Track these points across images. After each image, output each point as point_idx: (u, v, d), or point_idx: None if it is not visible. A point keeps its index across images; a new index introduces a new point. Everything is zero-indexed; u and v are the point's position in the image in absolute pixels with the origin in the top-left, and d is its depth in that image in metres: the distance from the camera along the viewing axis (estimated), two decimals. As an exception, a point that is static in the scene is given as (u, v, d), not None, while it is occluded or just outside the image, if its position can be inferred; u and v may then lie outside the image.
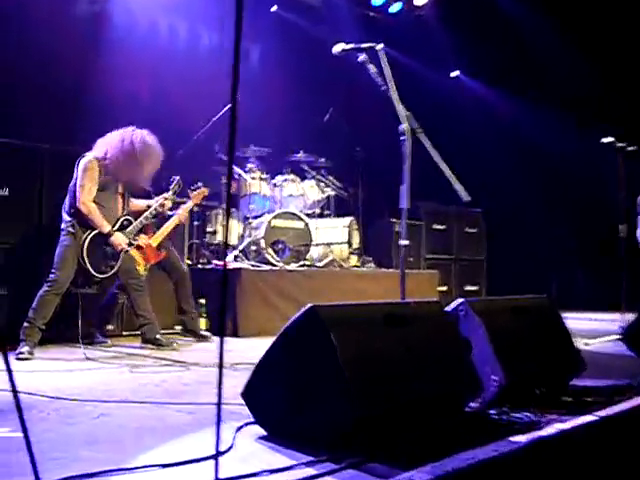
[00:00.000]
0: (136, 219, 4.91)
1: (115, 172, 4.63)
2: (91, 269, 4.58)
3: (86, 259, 4.54)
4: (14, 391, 1.42)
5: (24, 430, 1.44)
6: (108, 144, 4.65)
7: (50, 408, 2.88)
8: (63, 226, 4.62)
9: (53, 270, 4.55)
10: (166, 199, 5.03)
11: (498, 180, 8.96)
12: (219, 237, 6.78)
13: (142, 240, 5.02)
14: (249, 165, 6.95)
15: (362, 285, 6.66)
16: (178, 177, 5.13)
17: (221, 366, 1.45)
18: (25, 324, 4.46)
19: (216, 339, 5.36)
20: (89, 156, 4.60)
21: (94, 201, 4.62)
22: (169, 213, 5.23)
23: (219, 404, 1.43)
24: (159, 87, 7.20)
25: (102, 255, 4.69)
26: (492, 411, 2.65)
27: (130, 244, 4.78)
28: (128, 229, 4.80)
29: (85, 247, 4.56)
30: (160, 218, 5.21)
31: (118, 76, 6.63)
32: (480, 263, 9.01)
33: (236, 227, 6.75)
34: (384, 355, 2.31)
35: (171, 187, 5.12)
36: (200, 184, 5.57)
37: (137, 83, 6.88)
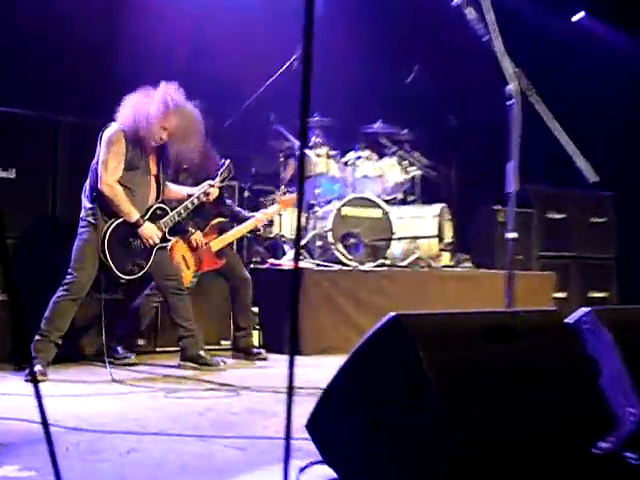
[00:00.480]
0: (173, 209, 4.95)
1: (148, 144, 4.65)
2: (115, 268, 4.63)
3: (108, 255, 4.58)
4: (44, 424, 1.36)
5: (56, 474, 1.38)
6: (134, 108, 4.65)
7: (69, 441, 2.90)
8: (82, 215, 4.66)
9: (70, 270, 4.59)
10: (212, 186, 5.08)
11: (635, 156, 8.78)
12: (276, 230, 6.85)
13: (197, 238, 5.20)
14: (313, 139, 6.99)
15: (457, 290, 6.75)
16: (228, 160, 5.19)
17: (290, 390, 1.41)
18: (36, 338, 4.51)
19: (273, 357, 5.49)
20: (114, 126, 4.63)
21: (120, 183, 4.65)
22: (246, 215, 5.49)
23: (287, 438, 1.41)
24: (200, 45, 7.34)
25: (128, 250, 4.72)
26: (629, 454, 2.59)
27: (165, 239, 4.83)
28: (162, 220, 4.84)
29: (107, 239, 4.59)
30: (220, 221, 5.43)
31: (151, 32, 6.78)
32: (609, 263, 8.80)
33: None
34: (487, 379, 2.29)
35: (220, 172, 5.17)
36: (293, 189, 5.89)
37: (174, 40, 7.00)
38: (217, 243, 5.49)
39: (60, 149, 5.20)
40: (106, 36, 6.69)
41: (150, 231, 4.74)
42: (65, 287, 4.57)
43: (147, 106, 4.62)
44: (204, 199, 5.06)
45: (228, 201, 5.78)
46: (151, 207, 4.79)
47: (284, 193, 5.81)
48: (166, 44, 6.88)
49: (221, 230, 5.61)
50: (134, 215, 4.67)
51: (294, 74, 6.35)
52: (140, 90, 4.66)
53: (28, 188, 5.11)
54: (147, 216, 4.75)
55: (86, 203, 4.63)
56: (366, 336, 2.33)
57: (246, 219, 5.63)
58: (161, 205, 4.85)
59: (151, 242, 4.74)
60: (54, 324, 4.51)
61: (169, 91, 4.67)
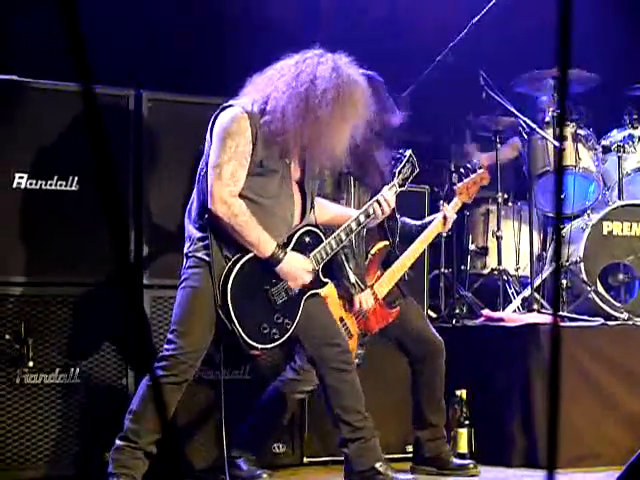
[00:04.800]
0: (328, 235, 4.48)
1: (291, 136, 4.18)
2: (242, 333, 4.15)
3: (233, 312, 4.13)
4: None
5: None
6: (271, 80, 4.23)
7: None
8: (188, 249, 4.22)
9: (171, 337, 4.18)
10: (388, 196, 4.58)
11: None
12: (492, 262, 6.26)
13: (364, 298, 4.76)
14: (550, 110, 6.24)
15: None
16: (409, 151, 4.71)
17: None
18: (118, 444, 4.10)
19: (489, 473, 4.97)
20: (234, 108, 4.18)
21: (243, 196, 4.16)
22: (414, 223, 5.10)
23: None
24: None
25: (264, 303, 4.24)
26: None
27: (319, 281, 4.34)
28: (314, 252, 4.33)
29: (230, 288, 4.08)
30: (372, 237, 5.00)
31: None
32: None
33: (526, 238, 6.13)
34: None
35: (398, 169, 4.68)
36: (476, 162, 5.90)
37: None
38: (384, 283, 4.86)
39: (146, 138, 4.73)
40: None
41: (296, 267, 4.23)
42: (163, 364, 4.13)
43: (294, 89, 4.18)
44: (375, 216, 4.51)
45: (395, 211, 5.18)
46: (296, 232, 4.30)
47: (467, 176, 5.38)
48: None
49: (386, 262, 4.99)
50: (268, 245, 4.16)
51: (515, 5, 5.92)
52: (284, 60, 4.25)
53: (96, 207, 4.75)
54: (291, 246, 4.24)
55: (193, 232, 4.20)
56: None
57: (419, 230, 5.06)
58: (312, 228, 4.35)
59: (299, 283, 4.24)
60: (146, 423, 4.10)
61: (331, 65, 4.23)
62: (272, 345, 4.26)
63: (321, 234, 4.42)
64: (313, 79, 4.20)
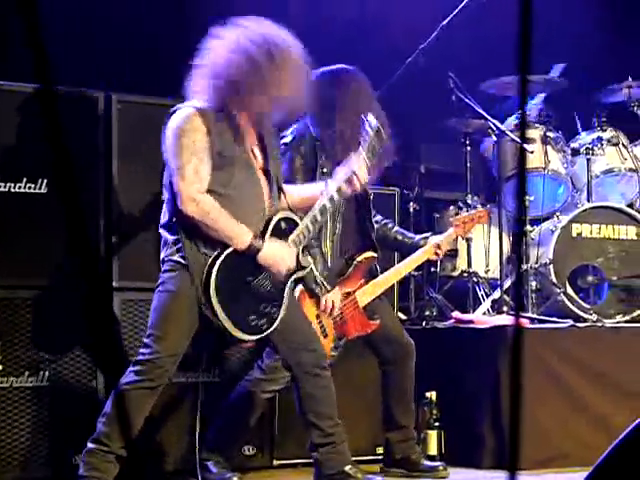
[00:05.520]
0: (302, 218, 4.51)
1: (244, 120, 4.31)
2: (234, 327, 4.14)
3: (218, 309, 4.10)
4: None
5: None
6: (215, 70, 4.21)
7: None
8: (164, 254, 4.23)
9: (147, 341, 4.17)
10: (354, 172, 4.47)
11: None
12: (462, 264, 6.27)
13: (330, 299, 4.76)
14: (533, 111, 6.40)
15: None
16: (373, 119, 4.60)
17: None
18: (89, 447, 4.08)
19: (458, 474, 4.96)
20: (184, 109, 4.21)
21: (211, 191, 4.16)
22: (413, 238, 5.12)
23: None
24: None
25: (250, 296, 4.25)
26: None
27: (302, 266, 4.35)
28: (293, 235, 4.33)
29: (213, 285, 4.08)
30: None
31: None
32: None
33: (496, 240, 6.08)
34: None
35: (365, 143, 4.55)
36: (476, 200, 5.95)
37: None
38: (366, 293, 4.86)
39: (115, 141, 4.74)
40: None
41: (276, 254, 4.23)
42: (139, 368, 4.11)
43: (237, 63, 4.17)
44: (348, 189, 4.45)
45: (378, 218, 5.14)
46: (271, 219, 4.28)
47: (457, 212, 5.61)
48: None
49: (371, 271, 4.99)
50: (245, 236, 4.14)
51: (486, 7, 5.83)
52: (217, 40, 4.25)
53: (60, 209, 4.17)
54: (268, 233, 4.24)
55: (167, 236, 4.20)
56: (617, 440, 2.03)
57: (413, 247, 5.03)
58: (286, 214, 4.35)
59: (282, 270, 4.23)
60: (118, 427, 4.11)
61: (268, 32, 4.29)
62: (262, 335, 4.29)
63: (296, 218, 4.42)
64: (265, 56, 4.23)
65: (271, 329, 4.32)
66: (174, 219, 4.16)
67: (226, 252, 4.12)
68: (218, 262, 4.12)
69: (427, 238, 5.16)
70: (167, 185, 4.25)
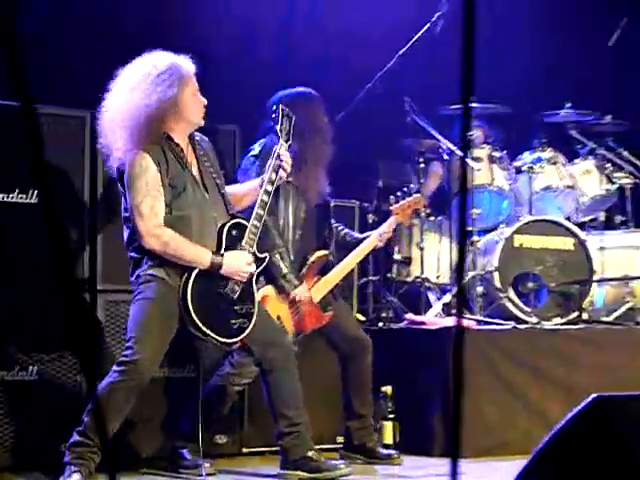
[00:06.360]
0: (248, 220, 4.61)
1: (180, 143, 4.45)
2: (216, 337, 4.34)
3: (201, 324, 4.28)
4: None
5: None
6: (134, 106, 4.38)
7: None
8: (138, 273, 4.39)
9: (129, 344, 4.30)
10: (279, 159, 4.55)
11: None
12: (415, 270, 6.34)
13: (300, 293, 4.93)
14: (473, 133, 6.50)
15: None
16: (281, 106, 4.70)
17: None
18: (75, 439, 4.21)
19: (411, 461, 5.11)
20: (132, 154, 4.35)
21: (169, 215, 4.34)
22: (357, 236, 5.33)
23: None
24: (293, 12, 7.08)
25: (224, 303, 4.41)
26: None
27: (261, 260, 4.50)
28: (245, 239, 4.48)
29: (191, 304, 4.27)
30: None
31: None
32: None
33: (446, 249, 6.41)
34: None
35: (278, 129, 4.65)
36: (412, 187, 5.87)
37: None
38: (319, 289, 5.03)
39: (101, 158, 4.70)
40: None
41: (236, 264, 4.40)
42: (122, 368, 4.27)
43: (151, 91, 4.37)
44: (275, 178, 4.56)
45: (332, 222, 5.32)
46: (222, 231, 4.44)
47: (398, 199, 5.49)
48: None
49: (323, 269, 5.14)
50: (205, 257, 4.33)
51: (438, 40, 6.01)
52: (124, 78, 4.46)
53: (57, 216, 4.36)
54: (223, 246, 4.41)
55: (136, 256, 4.38)
56: (554, 430, 2.21)
57: (357, 243, 5.21)
58: (232, 221, 4.49)
59: (245, 276, 4.40)
60: (100, 422, 4.07)
61: (167, 58, 4.45)
62: (245, 333, 4.45)
63: (243, 221, 4.57)
64: (146, 76, 4.40)
65: (252, 324, 4.49)
66: (135, 244, 4.36)
67: (194, 272, 4.34)
68: (190, 283, 4.32)
69: (367, 237, 5.33)
70: (126, 223, 4.44)
